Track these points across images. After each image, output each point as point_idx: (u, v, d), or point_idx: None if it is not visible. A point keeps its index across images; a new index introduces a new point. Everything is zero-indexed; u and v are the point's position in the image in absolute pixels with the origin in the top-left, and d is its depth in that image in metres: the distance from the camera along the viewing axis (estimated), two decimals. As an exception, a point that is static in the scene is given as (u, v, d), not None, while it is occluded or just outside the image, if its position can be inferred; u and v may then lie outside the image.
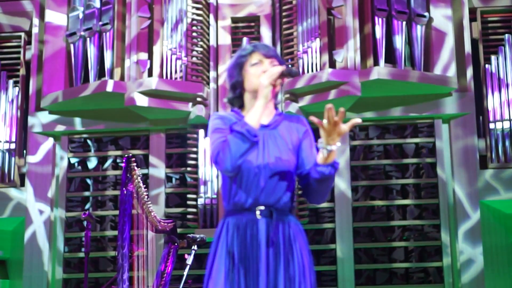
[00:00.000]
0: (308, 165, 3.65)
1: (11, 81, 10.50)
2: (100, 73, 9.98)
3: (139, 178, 6.22)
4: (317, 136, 3.58)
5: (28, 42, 10.70)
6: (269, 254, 3.50)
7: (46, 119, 10.10)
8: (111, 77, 9.86)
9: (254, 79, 3.64)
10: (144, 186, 6.32)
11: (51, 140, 10.17)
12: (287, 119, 3.76)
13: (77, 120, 10.07)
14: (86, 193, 10.14)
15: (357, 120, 3.47)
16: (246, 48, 3.77)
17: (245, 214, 3.57)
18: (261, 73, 3.60)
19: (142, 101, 9.49)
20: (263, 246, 3.50)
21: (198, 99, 9.63)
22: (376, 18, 9.61)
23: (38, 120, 10.13)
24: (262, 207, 3.55)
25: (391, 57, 9.66)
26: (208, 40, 10.06)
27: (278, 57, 3.75)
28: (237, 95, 3.76)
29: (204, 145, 9.69)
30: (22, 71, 10.63)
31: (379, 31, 9.58)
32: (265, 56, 3.69)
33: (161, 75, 9.68)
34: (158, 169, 9.90)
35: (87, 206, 10.04)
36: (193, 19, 9.96)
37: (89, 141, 10.28)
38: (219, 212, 9.50)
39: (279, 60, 3.72)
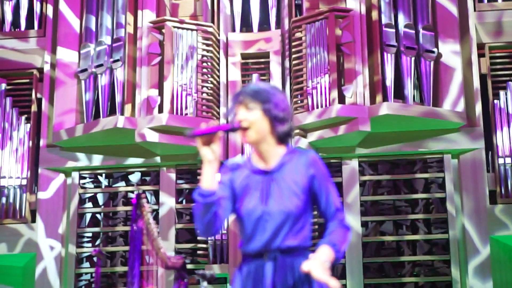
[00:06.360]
0: (324, 213, 3.65)
1: (23, 118, 10.57)
2: (111, 109, 10.05)
3: (149, 214, 6.25)
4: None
5: (40, 79, 10.78)
6: None
7: (57, 155, 10.16)
8: (122, 113, 9.92)
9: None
10: (155, 221, 6.35)
11: (62, 176, 10.22)
12: (296, 156, 3.66)
13: (88, 156, 10.12)
14: (97, 229, 10.17)
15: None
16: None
17: (254, 260, 3.57)
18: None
19: (152, 137, 9.54)
20: None
21: (209, 134, 9.65)
22: (385, 54, 9.66)
23: (49, 156, 10.18)
24: (270, 252, 3.55)
25: (400, 93, 9.69)
26: (219, 77, 10.12)
27: (251, 97, 3.58)
28: None
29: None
30: (33, 108, 10.68)
31: (388, 67, 9.63)
32: (237, 104, 3.61)
33: (171, 111, 9.72)
34: (168, 204, 9.92)
35: (97, 242, 10.06)
36: (203, 56, 10.04)
37: (99, 177, 10.32)
38: (229, 248, 9.49)
39: (258, 99, 3.58)
